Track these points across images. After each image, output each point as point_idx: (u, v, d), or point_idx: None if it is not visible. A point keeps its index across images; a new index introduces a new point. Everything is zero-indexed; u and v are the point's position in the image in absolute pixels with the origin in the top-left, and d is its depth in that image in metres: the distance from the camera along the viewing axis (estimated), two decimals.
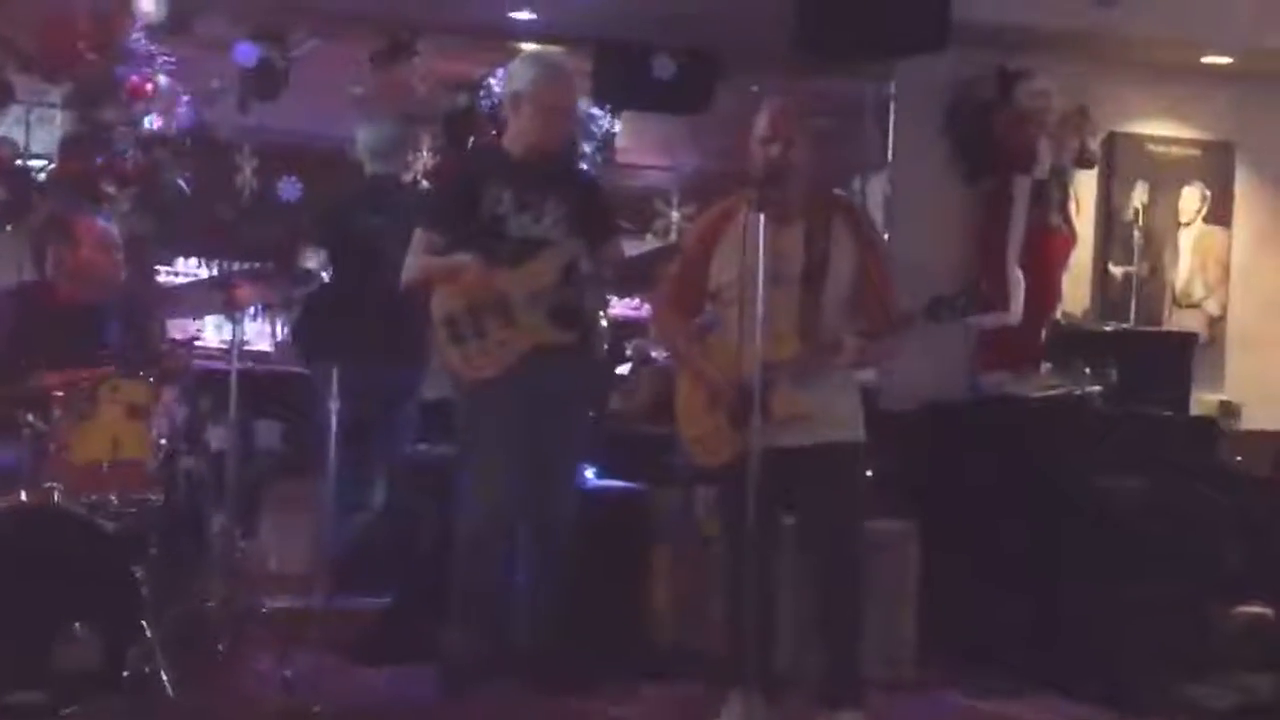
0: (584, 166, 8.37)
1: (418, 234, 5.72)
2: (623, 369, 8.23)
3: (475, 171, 5.88)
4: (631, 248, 6.37)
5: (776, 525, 5.20)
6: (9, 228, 7.40)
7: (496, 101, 8.58)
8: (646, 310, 8.98)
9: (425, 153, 9.06)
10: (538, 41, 8.15)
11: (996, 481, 6.91)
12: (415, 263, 5.72)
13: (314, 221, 7.67)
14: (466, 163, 6.96)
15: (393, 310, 6.69)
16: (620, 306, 8.30)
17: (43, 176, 7.52)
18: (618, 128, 9.05)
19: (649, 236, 10.48)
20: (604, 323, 7.40)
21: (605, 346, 8.37)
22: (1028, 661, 6.44)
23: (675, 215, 10.86)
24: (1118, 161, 8.17)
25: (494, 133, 8.52)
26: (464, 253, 5.60)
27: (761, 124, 5.19)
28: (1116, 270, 8.19)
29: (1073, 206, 7.94)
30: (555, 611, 5.78)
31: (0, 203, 7.30)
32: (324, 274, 7.07)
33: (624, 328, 8.18)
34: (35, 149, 7.69)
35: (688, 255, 5.49)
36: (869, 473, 5.61)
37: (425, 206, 5.97)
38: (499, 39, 8.30)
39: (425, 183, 7.90)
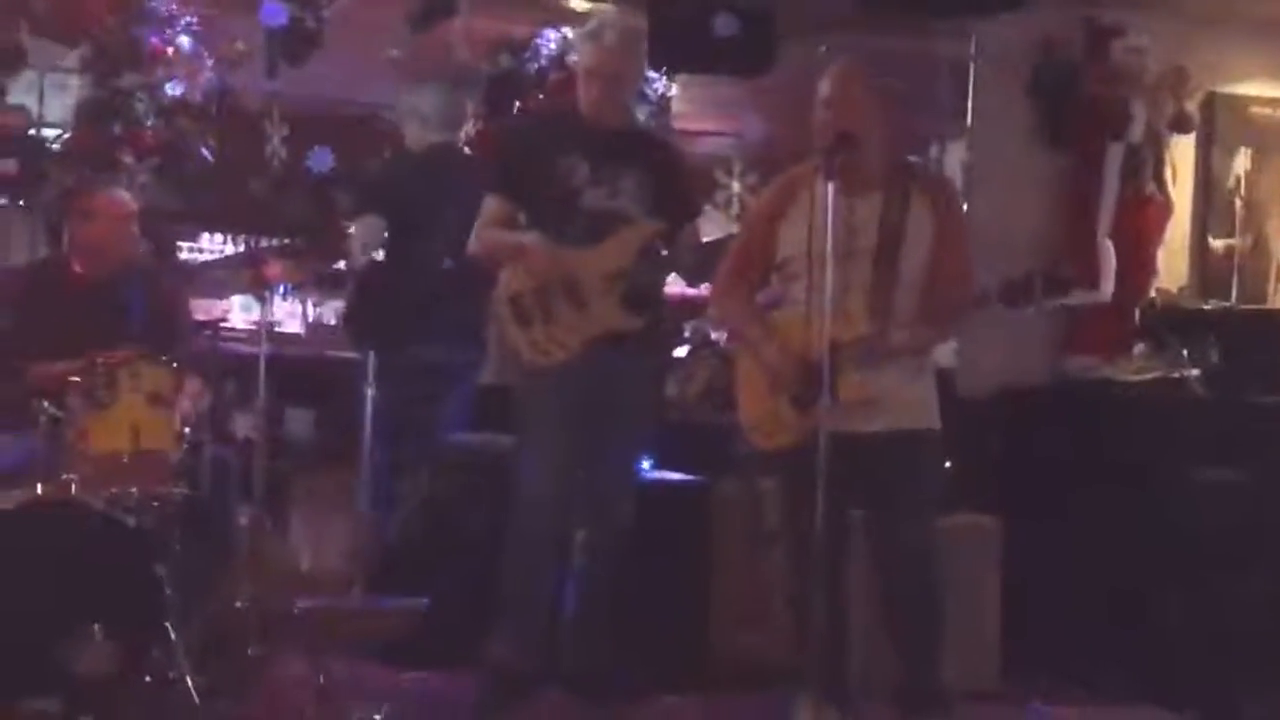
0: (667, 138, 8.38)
1: (487, 201, 5.69)
2: (680, 352, 8.23)
3: (544, 134, 5.84)
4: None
5: (845, 519, 5.17)
6: (22, 202, 7.45)
7: (543, 64, 8.59)
8: (706, 289, 8.98)
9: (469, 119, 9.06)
10: (588, 0, 8.14)
11: (1084, 473, 6.86)
12: (481, 232, 5.70)
13: (365, 194, 7.68)
14: (534, 124, 6.93)
15: (453, 289, 6.72)
16: (677, 285, 8.26)
17: (57, 147, 7.56)
18: (674, 91, 9.02)
19: (708, 208, 10.45)
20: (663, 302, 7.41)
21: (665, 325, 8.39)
22: (1121, 668, 6.39)
23: (736, 185, 10.84)
24: (1218, 125, 8.10)
25: (540, 96, 8.53)
26: (535, 225, 5.58)
27: (825, 86, 5.15)
28: (1217, 243, 8.13)
29: (1169, 174, 7.87)
30: (607, 616, 5.76)
31: (12, 175, 7.34)
32: (375, 252, 7.10)
33: (682, 307, 8.15)
34: (50, 117, 7.73)
35: (752, 226, 5.47)
36: (946, 464, 5.59)
37: (495, 171, 5.91)
38: None
39: (468, 150, 7.86)
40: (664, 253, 5.70)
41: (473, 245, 5.74)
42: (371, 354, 6.93)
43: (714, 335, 8.20)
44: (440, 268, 6.91)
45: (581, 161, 5.58)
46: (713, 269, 5.63)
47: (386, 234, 7.18)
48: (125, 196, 6.42)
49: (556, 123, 6.20)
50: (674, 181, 5.78)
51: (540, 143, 5.77)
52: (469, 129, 8.28)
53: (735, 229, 9.47)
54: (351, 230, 7.64)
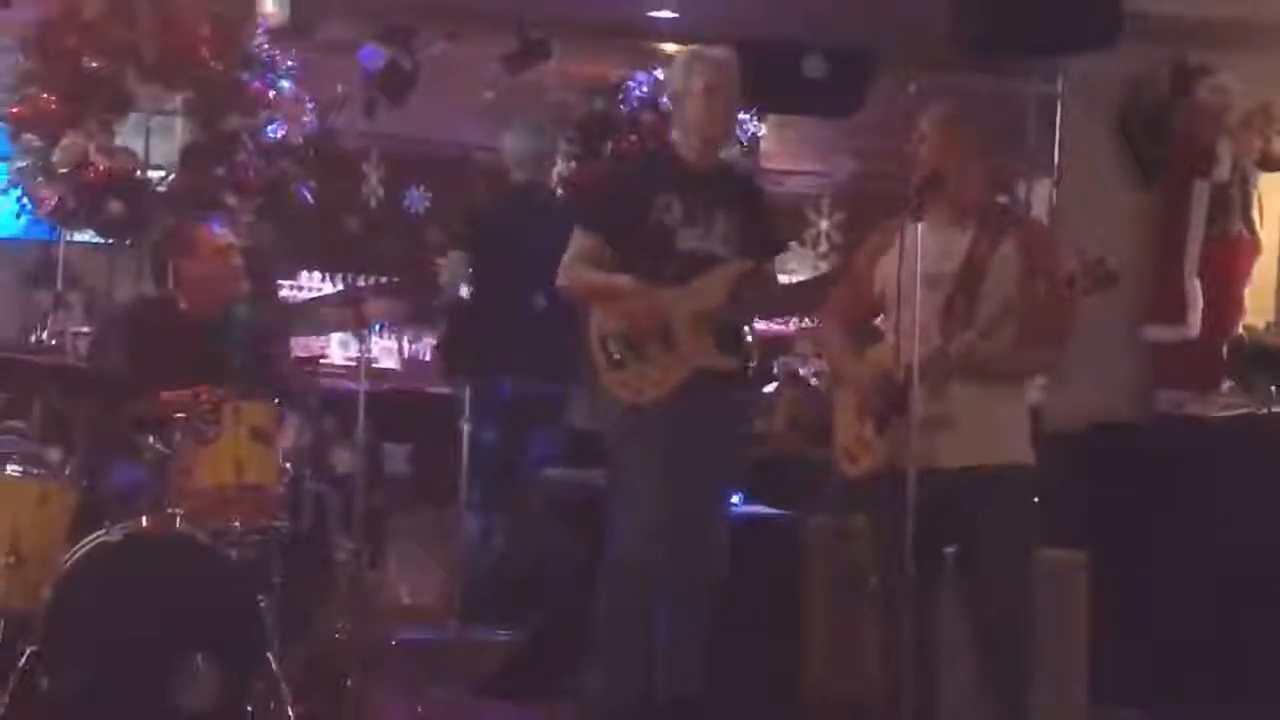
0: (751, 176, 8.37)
1: (576, 235, 5.63)
2: (768, 388, 8.21)
3: (639, 173, 5.82)
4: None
5: (937, 557, 5.11)
6: (130, 241, 7.52)
7: (635, 105, 8.61)
8: (793, 326, 8.94)
9: (560, 159, 9.09)
10: (679, 41, 8.15)
11: (1173, 509, 6.77)
12: (573, 270, 5.64)
13: (458, 232, 7.71)
14: (630, 164, 6.91)
15: (542, 325, 6.72)
16: (766, 322, 8.25)
17: (163, 188, 7.63)
18: (764, 131, 9.02)
19: (795, 245, 10.43)
20: (749, 338, 7.38)
21: (752, 364, 8.35)
22: (1214, 704, 6.29)
23: (824, 224, 10.81)
24: None
25: (633, 138, 8.54)
26: (626, 264, 5.53)
27: (923, 125, 5.13)
28: None
29: (1256, 212, 7.78)
30: (701, 653, 5.70)
31: (120, 215, 7.41)
32: (463, 289, 7.12)
33: (771, 344, 8.13)
34: (155, 159, 7.80)
35: (853, 265, 5.44)
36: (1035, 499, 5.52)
37: (588, 209, 5.89)
38: (638, 39, 8.31)
39: (560, 191, 7.89)
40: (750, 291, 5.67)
41: (561, 279, 5.67)
42: (466, 389, 6.94)
43: (801, 371, 8.17)
44: (530, 304, 6.91)
45: (677, 201, 5.55)
46: (800, 306, 5.59)
47: (472, 270, 7.18)
48: (224, 230, 6.45)
49: (651, 162, 6.19)
50: (761, 220, 5.75)
51: (635, 182, 5.75)
52: (562, 169, 8.30)
53: (823, 266, 9.47)
54: (441, 264, 7.66)
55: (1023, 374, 5.29)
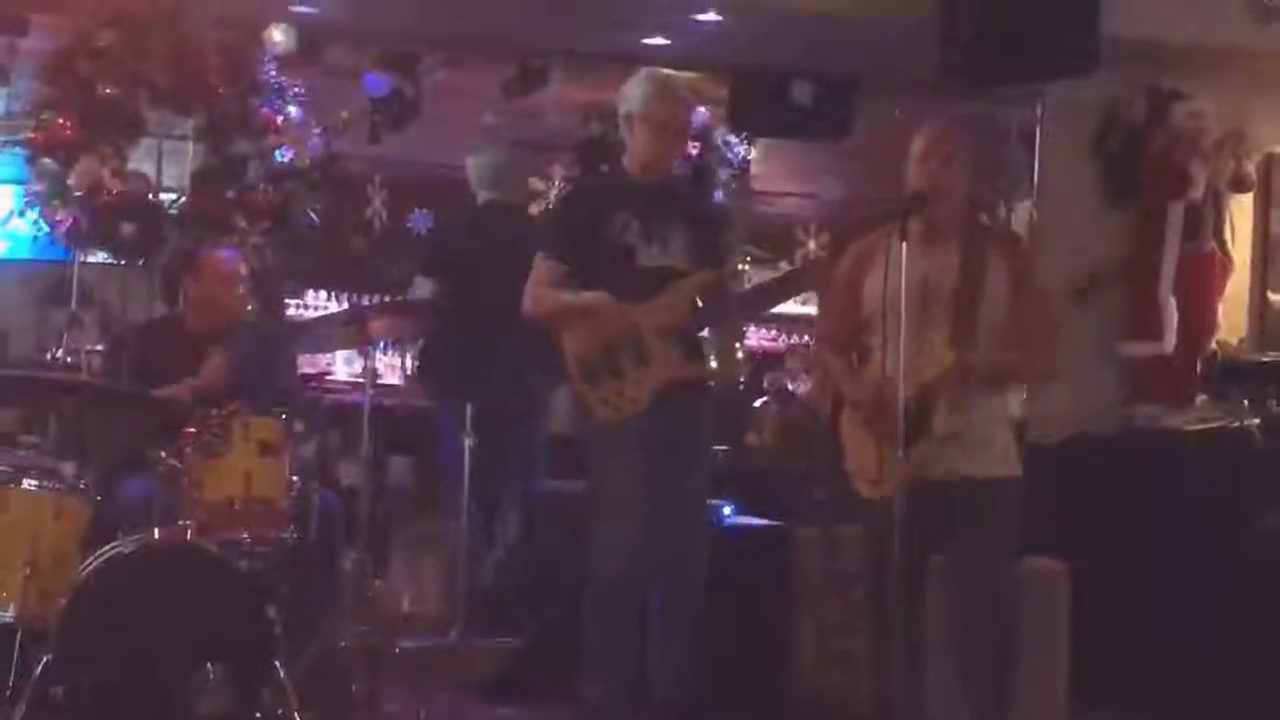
0: (716, 191, 8.38)
1: (538, 261, 5.63)
2: (758, 402, 8.21)
3: (596, 195, 5.81)
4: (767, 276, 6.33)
5: (924, 565, 5.12)
6: (142, 262, 7.53)
7: None
8: (784, 343, 8.96)
9: (558, 182, 9.10)
10: (673, 68, 8.15)
11: (1150, 519, 6.78)
12: (537, 292, 5.62)
13: (430, 251, 7.71)
14: (586, 187, 6.92)
15: (508, 341, 6.71)
16: (757, 338, 8.27)
17: (174, 211, 7.64)
18: (753, 154, 9.04)
19: (783, 265, 10.44)
20: (740, 354, 7.39)
21: (743, 379, 8.36)
22: (1190, 711, 6.29)
23: (812, 244, 10.83)
24: (1275, 184, 8.01)
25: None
26: (590, 282, 5.53)
27: (919, 144, 5.15)
28: (1275, 297, 8.04)
29: (1228, 231, 7.80)
30: (689, 659, 5.70)
31: (133, 237, 7.42)
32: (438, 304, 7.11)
33: (762, 360, 8.15)
34: (167, 182, 7.82)
35: (838, 290, 5.44)
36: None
37: (546, 233, 5.90)
38: (633, 65, 8.31)
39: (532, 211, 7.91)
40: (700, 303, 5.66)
41: (529, 304, 5.65)
42: (468, 404, 6.93)
43: (790, 386, 8.18)
44: (500, 320, 6.91)
45: (634, 219, 5.55)
46: (758, 310, 5.58)
47: (441, 290, 7.14)
48: (232, 256, 6.49)
49: (606, 183, 6.20)
50: (713, 231, 5.80)
51: (591, 203, 5.74)
52: (557, 191, 8.31)
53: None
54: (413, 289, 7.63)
55: (1032, 380, 5.30)
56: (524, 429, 7.20)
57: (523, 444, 7.20)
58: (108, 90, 7.45)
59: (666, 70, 5.73)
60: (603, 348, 5.50)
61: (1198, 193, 7.57)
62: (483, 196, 7.39)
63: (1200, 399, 7.49)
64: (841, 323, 5.35)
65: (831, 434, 5.40)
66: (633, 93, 5.67)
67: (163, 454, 5.47)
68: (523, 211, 7.76)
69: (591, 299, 5.52)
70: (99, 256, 7.77)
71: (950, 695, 5.25)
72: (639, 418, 5.49)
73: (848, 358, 5.34)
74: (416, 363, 7.95)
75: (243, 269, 6.42)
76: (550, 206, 8.08)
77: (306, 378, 8.17)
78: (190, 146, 7.79)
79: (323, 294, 9.41)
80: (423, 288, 7.29)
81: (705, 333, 5.81)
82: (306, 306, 9.25)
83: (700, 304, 5.55)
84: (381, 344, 8.16)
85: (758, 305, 6.55)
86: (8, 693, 4.97)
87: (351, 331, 6.04)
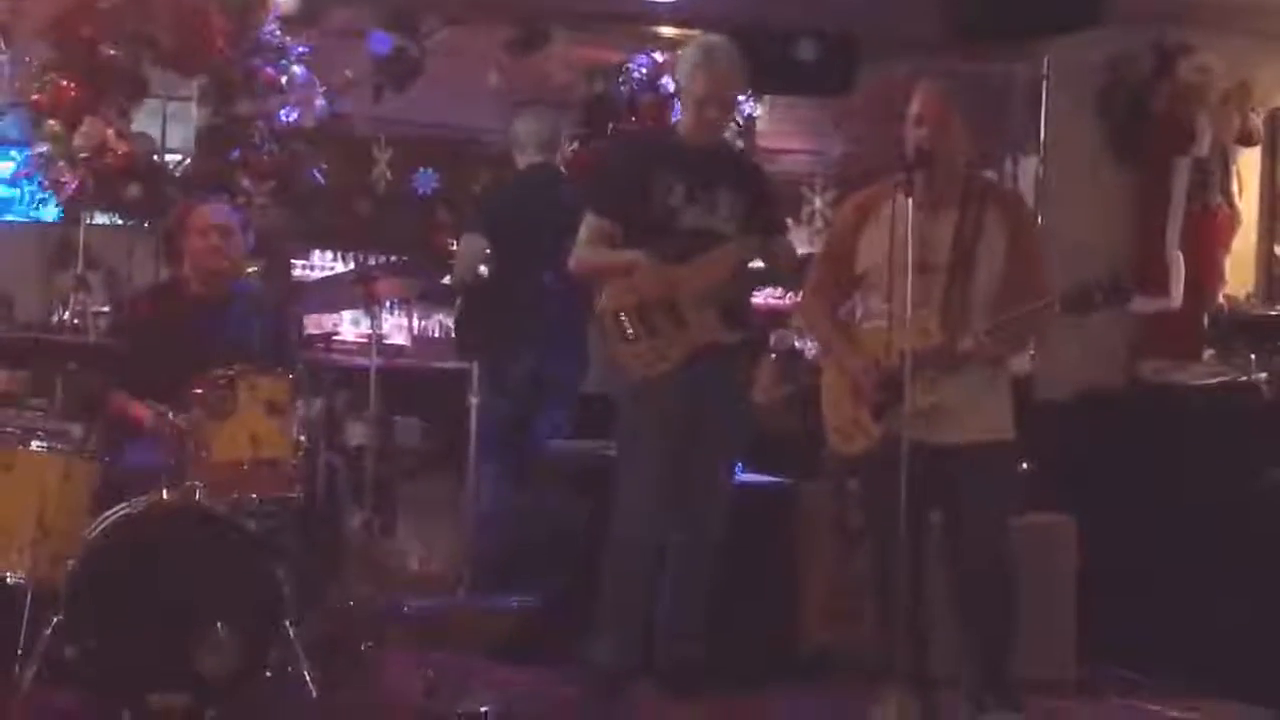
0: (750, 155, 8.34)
1: (588, 219, 5.68)
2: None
3: (646, 158, 5.81)
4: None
5: (925, 521, 5.13)
6: (147, 224, 7.51)
7: (635, 87, 8.59)
8: (790, 300, 8.93)
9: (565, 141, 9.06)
10: (676, 26, 8.13)
11: (1157, 474, 6.78)
12: (586, 251, 5.68)
13: (470, 214, 7.71)
14: (634, 147, 6.93)
15: (553, 304, 6.74)
16: (763, 296, 8.24)
17: (179, 172, 7.62)
18: (759, 111, 9.00)
19: (791, 222, 10.40)
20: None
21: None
22: (1195, 663, 6.30)
23: (819, 202, 10.79)
24: None
25: (633, 119, 8.53)
26: (635, 243, 5.57)
27: (914, 106, 5.13)
28: None
29: (1235, 186, 7.79)
30: (700, 614, 5.74)
31: (137, 199, 7.40)
32: (478, 267, 7.12)
33: (769, 317, 8.12)
34: (172, 144, 7.79)
35: (834, 241, 5.46)
36: (1024, 465, 5.54)
37: (595, 192, 5.91)
38: (637, 24, 8.29)
39: (565, 171, 7.87)
40: (762, 266, 5.70)
41: (573, 263, 5.73)
42: (475, 364, 6.94)
43: (798, 344, 8.16)
44: (541, 282, 6.92)
45: (679, 181, 5.57)
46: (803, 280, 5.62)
47: (489, 251, 7.18)
48: (220, 207, 6.34)
49: (654, 144, 6.21)
50: (762, 198, 5.78)
51: (639, 164, 5.75)
52: (566, 151, 8.29)
53: (819, 241, 9.45)
54: (456, 247, 7.66)
55: (1005, 356, 5.29)
56: (563, 391, 7.20)
57: (558, 406, 7.21)
58: (111, 51, 7.41)
59: (717, 38, 5.71)
60: (640, 307, 5.53)
61: (1204, 148, 7.56)
62: (526, 160, 7.39)
63: (1207, 354, 7.50)
64: (835, 275, 5.35)
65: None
66: (686, 61, 5.70)
67: (170, 415, 5.48)
68: (563, 175, 7.76)
69: (631, 257, 5.57)
70: (105, 218, 7.74)
71: (959, 649, 5.28)
72: (670, 377, 5.53)
73: (835, 311, 5.35)
74: (455, 320, 7.94)
75: (234, 221, 6.28)
76: (562, 166, 8.05)
77: (313, 338, 8.16)
78: (194, 107, 7.76)
79: (329, 254, 9.38)
80: (466, 248, 7.28)
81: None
82: (312, 267, 9.21)
83: (746, 270, 5.58)
84: (388, 304, 8.16)
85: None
86: (18, 653, 4.99)
87: (358, 292, 6.03)
